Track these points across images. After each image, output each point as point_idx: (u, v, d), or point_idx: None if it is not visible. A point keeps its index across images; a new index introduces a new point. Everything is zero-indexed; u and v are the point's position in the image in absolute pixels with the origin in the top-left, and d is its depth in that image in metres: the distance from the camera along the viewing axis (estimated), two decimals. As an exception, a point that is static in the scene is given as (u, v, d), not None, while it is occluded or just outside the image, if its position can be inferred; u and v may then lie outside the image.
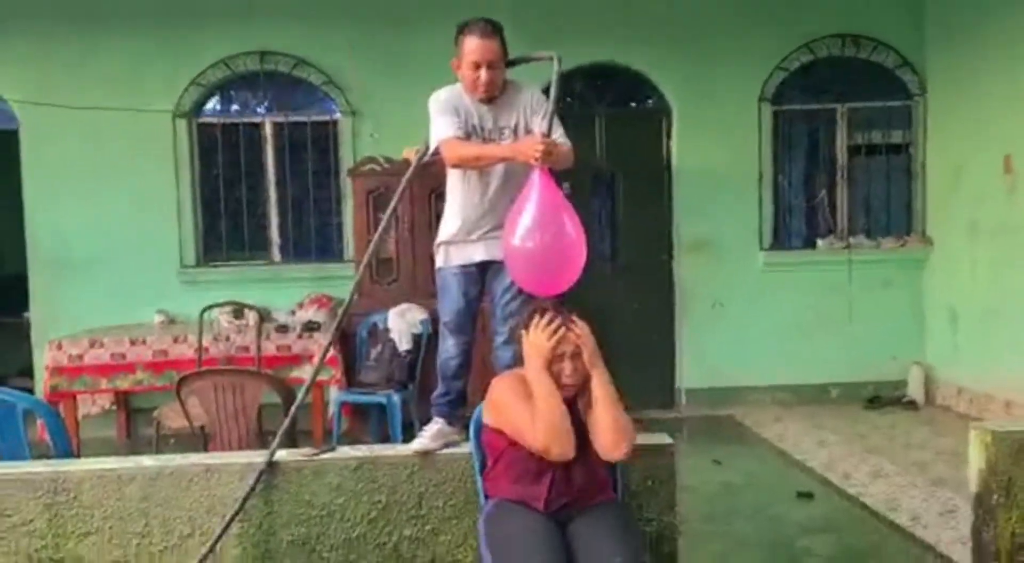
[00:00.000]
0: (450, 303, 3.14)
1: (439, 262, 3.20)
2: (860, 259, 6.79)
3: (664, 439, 3.04)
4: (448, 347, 3.15)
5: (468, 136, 3.05)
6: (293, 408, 3.13)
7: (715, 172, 6.68)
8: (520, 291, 3.03)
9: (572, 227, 2.73)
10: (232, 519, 2.84)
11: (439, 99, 3.09)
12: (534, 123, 3.04)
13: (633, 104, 7.14)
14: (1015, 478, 2.97)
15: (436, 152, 3.09)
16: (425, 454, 2.97)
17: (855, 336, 6.76)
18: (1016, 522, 2.97)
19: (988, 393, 6.09)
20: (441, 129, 3.03)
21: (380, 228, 3.30)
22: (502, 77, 3.05)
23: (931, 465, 5.11)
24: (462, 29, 3.02)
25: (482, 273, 3.15)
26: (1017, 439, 3.00)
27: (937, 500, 4.49)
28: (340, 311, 3.46)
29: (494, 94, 3.06)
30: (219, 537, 2.84)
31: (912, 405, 6.60)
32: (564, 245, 2.73)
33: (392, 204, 3.28)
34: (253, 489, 2.86)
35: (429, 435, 3.03)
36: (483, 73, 2.98)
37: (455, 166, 3.08)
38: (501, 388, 2.67)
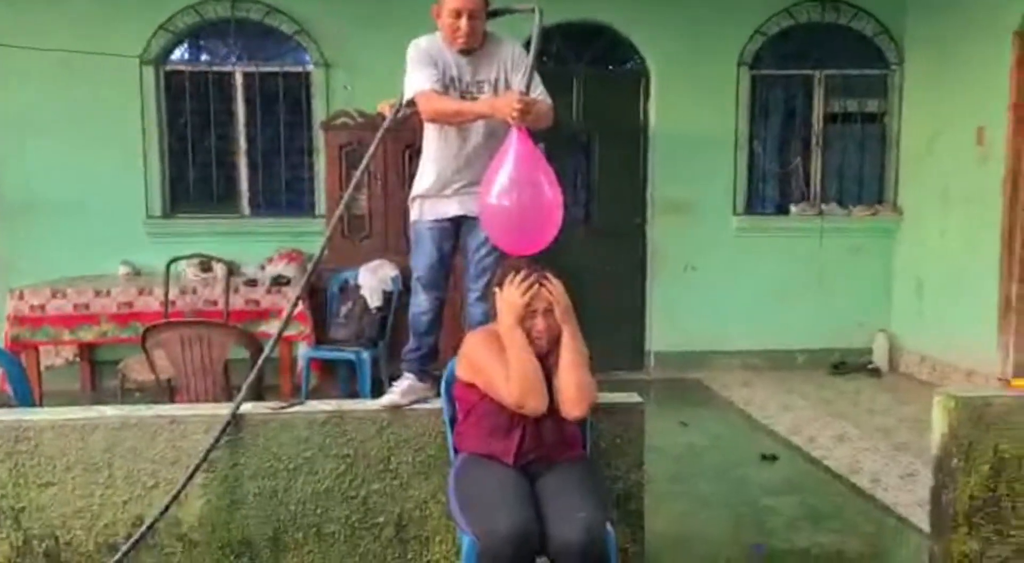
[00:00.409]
0: (423, 257, 3.11)
1: (414, 216, 3.16)
2: (832, 227, 6.83)
3: (633, 398, 3.05)
4: (420, 302, 3.13)
5: (445, 89, 2.99)
6: (260, 360, 3.09)
7: (691, 136, 6.66)
8: (494, 247, 3.00)
9: (549, 186, 2.71)
10: (195, 470, 2.81)
11: (418, 48, 3.02)
12: (514, 80, 2.99)
13: (612, 65, 7.07)
14: (975, 442, 3.03)
15: (412, 104, 3.03)
16: (395, 409, 2.96)
17: (824, 303, 6.83)
18: (975, 485, 3.03)
19: (951, 362, 6.19)
20: (418, 81, 2.96)
21: (351, 184, 3.25)
22: (482, 28, 2.99)
23: (893, 431, 5.21)
24: None
25: (456, 228, 3.12)
26: (979, 405, 3.05)
27: (898, 464, 4.58)
28: (310, 266, 3.42)
29: (474, 46, 2.99)
30: (182, 487, 2.81)
31: (876, 372, 6.71)
32: (541, 204, 2.70)
33: (366, 159, 3.22)
34: (218, 440, 2.83)
35: (399, 390, 3.01)
36: (463, 23, 2.91)
37: (431, 120, 3.02)
38: (474, 343, 2.66)
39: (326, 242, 3.34)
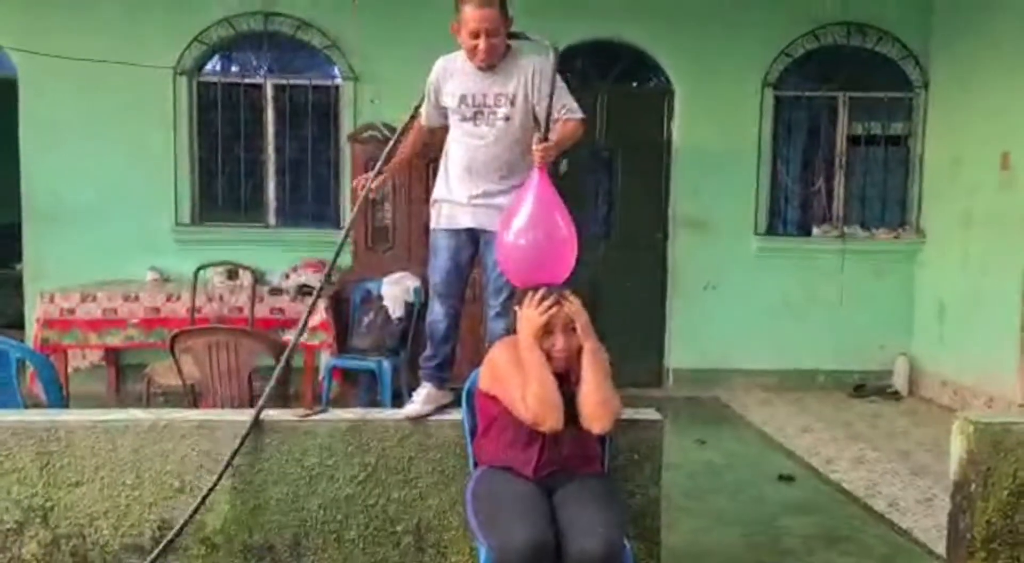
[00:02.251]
0: (439, 265, 3.16)
1: (432, 222, 3.24)
2: (853, 249, 6.83)
3: (653, 414, 3.08)
4: (435, 310, 3.18)
5: (458, 107, 3.08)
6: (279, 367, 3.15)
7: (714, 154, 6.69)
8: None
9: (564, 226, 2.78)
10: (221, 475, 2.87)
11: (433, 71, 3.16)
12: (535, 96, 3.03)
13: (636, 82, 7.13)
14: (994, 468, 3.03)
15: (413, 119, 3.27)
16: (416, 419, 3.00)
17: (845, 325, 6.82)
18: (992, 511, 3.03)
19: (971, 387, 6.16)
20: (423, 110, 3.22)
21: (367, 188, 3.28)
22: (502, 45, 3.02)
23: (912, 454, 5.19)
24: None
25: (473, 239, 3.17)
26: (997, 431, 3.05)
27: (916, 488, 4.57)
28: (325, 271, 3.52)
29: (493, 63, 3.05)
30: (209, 492, 2.87)
31: (896, 395, 6.68)
32: (556, 244, 2.77)
33: (379, 163, 3.31)
34: (241, 445, 2.88)
35: (420, 400, 3.05)
36: (481, 42, 2.96)
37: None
38: (499, 354, 2.70)
39: (339, 249, 3.40)
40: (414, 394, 3.11)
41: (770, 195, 6.97)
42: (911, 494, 4.48)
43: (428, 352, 3.19)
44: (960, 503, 3.08)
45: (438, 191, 3.19)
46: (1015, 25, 5.76)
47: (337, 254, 3.40)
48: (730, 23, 6.65)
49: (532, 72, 3.05)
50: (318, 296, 3.42)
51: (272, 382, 3.10)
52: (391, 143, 3.35)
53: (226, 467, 2.88)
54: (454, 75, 3.07)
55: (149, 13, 6.37)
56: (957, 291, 6.41)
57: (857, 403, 6.50)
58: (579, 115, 3.08)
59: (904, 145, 7.04)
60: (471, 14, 2.93)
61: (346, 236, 3.59)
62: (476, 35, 2.95)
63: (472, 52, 3.01)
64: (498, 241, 2.88)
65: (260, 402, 3.00)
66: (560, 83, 3.05)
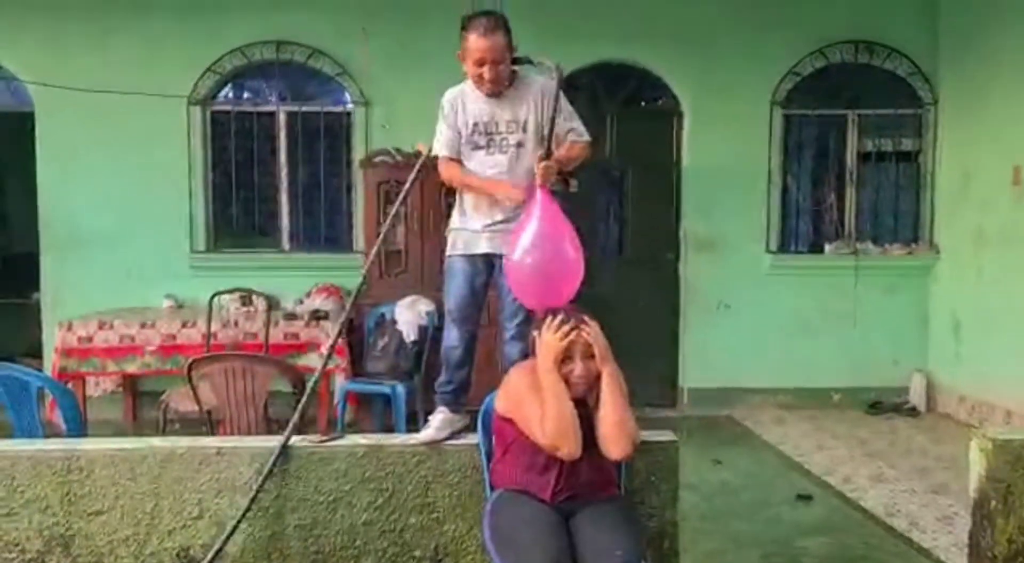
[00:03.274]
0: (455, 291, 3.17)
1: (448, 249, 3.25)
2: (867, 265, 6.81)
3: (668, 436, 3.08)
4: (451, 336, 3.18)
5: (471, 136, 3.11)
6: (307, 391, 3.18)
7: (724, 173, 6.71)
8: None
9: (571, 244, 2.80)
10: (252, 501, 2.88)
11: (443, 104, 3.15)
12: (546, 119, 3.07)
13: (644, 103, 7.17)
14: (1013, 486, 3.01)
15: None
16: (433, 444, 3.01)
17: (859, 342, 6.79)
18: (1013, 529, 3.01)
19: (989, 402, 6.12)
20: (439, 144, 3.15)
21: (385, 224, 3.34)
22: (507, 71, 3.04)
23: (931, 472, 5.15)
24: (465, 24, 3.01)
25: (489, 265, 3.18)
26: (1016, 447, 3.03)
27: (936, 506, 4.53)
28: (349, 300, 3.53)
29: (500, 89, 3.07)
30: (239, 520, 2.89)
31: (913, 412, 6.64)
32: (562, 262, 2.80)
33: (399, 199, 3.33)
34: (270, 472, 2.90)
35: (435, 425, 3.06)
36: (487, 70, 2.99)
37: (447, 183, 3.22)
38: (517, 378, 2.71)
39: (364, 278, 3.43)
40: (430, 418, 3.12)
41: (781, 213, 6.97)
42: (931, 512, 4.44)
43: (444, 378, 3.20)
44: (980, 521, 3.06)
45: (454, 222, 3.21)
46: (1022, 39, 5.77)
47: (362, 284, 3.39)
48: (737, 43, 6.69)
49: (540, 96, 3.08)
50: (343, 325, 3.45)
51: (299, 410, 3.11)
52: (412, 176, 3.36)
53: (255, 496, 2.89)
54: (465, 105, 3.10)
55: (163, 44, 6.47)
56: (972, 306, 6.38)
57: (873, 420, 6.46)
58: (586, 138, 3.11)
59: (915, 161, 7.04)
60: (475, 43, 2.96)
61: (370, 264, 3.57)
62: (481, 63, 2.98)
63: (478, 80, 3.04)
64: (505, 261, 2.90)
65: (287, 430, 3.01)
66: (567, 106, 3.09)
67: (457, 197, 3.25)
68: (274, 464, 2.91)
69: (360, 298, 6.15)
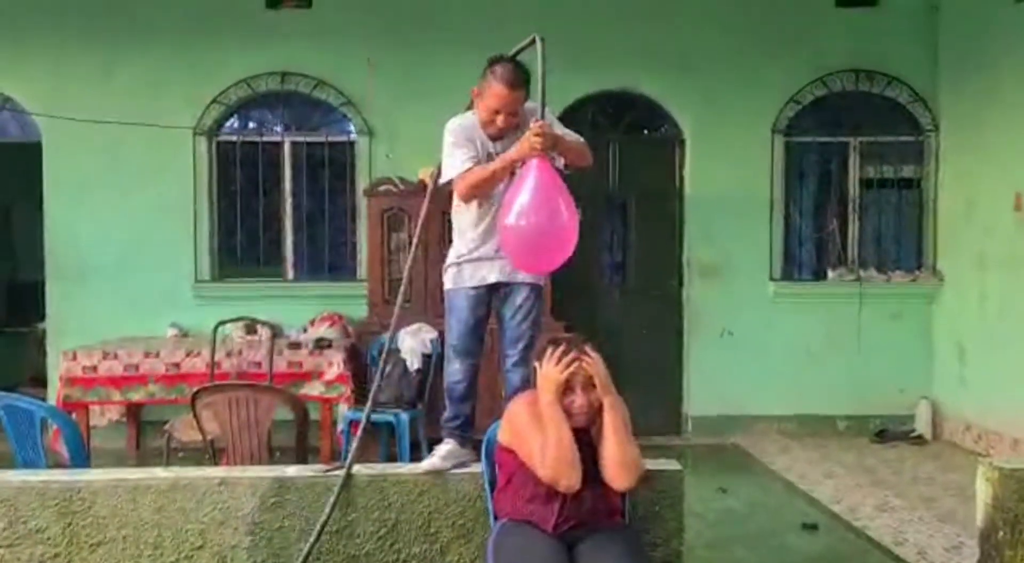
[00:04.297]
0: (459, 325, 3.16)
1: (449, 284, 3.22)
2: (870, 292, 6.81)
3: (673, 465, 3.07)
4: (454, 371, 3.17)
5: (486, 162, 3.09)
6: (363, 421, 3.16)
7: (726, 201, 6.74)
8: (529, 312, 3.10)
9: (566, 209, 2.77)
10: (319, 536, 2.88)
11: (453, 131, 3.11)
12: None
13: (646, 131, 7.22)
14: (1021, 515, 2.98)
15: (449, 182, 3.15)
16: (436, 473, 3.00)
17: (864, 369, 6.77)
18: (1022, 558, 2.98)
19: (996, 430, 6.08)
20: (454, 165, 3.07)
21: (412, 249, 3.27)
22: (517, 121, 3.06)
23: (938, 500, 5.11)
24: (493, 68, 3.01)
25: (490, 295, 3.19)
26: (1023, 476, 3.01)
27: (943, 535, 4.49)
28: (390, 327, 3.43)
29: (506, 131, 3.08)
30: (308, 553, 2.88)
31: (920, 439, 6.59)
32: (557, 226, 2.76)
33: (418, 230, 3.29)
34: (335, 506, 2.89)
35: (440, 455, 3.06)
36: (500, 119, 3.02)
37: (470, 198, 3.10)
38: (518, 409, 2.70)
39: (400, 304, 3.38)
40: (436, 449, 3.11)
41: (784, 240, 6.98)
42: (938, 541, 4.40)
43: (449, 413, 3.19)
44: (988, 551, 3.03)
45: (456, 253, 3.19)
46: (1021, 65, 5.81)
47: (399, 311, 3.36)
48: (738, 71, 6.74)
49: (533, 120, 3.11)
50: (386, 355, 3.44)
51: (359, 434, 3.09)
52: (425, 204, 3.36)
53: (323, 526, 2.88)
54: (472, 139, 3.09)
55: (169, 76, 6.55)
56: (977, 333, 6.36)
57: (879, 448, 6.42)
58: (579, 139, 3.13)
59: (917, 188, 7.06)
60: (499, 92, 2.98)
61: (403, 293, 3.48)
62: (497, 112, 3.01)
63: (488, 125, 3.05)
64: (499, 226, 2.87)
65: (350, 457, 2.99)
66: (563, 128, 3.10)
67: (458, 228, 3.23)
68: (340, 492, 2.90)
69: (360, 327, 6.19)
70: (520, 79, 3.00)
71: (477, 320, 3.17)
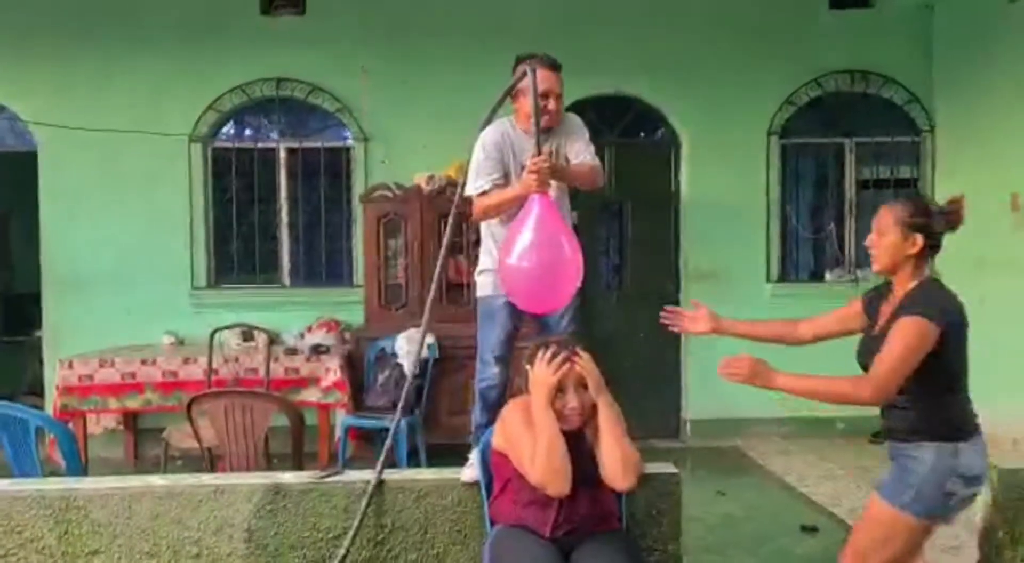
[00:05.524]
0: (497, 331, 3.19)
1: (488, 290, 3.23)
2: (867, 293, 6.79)
3: (669, 469, 3.06)
4: (491, 375, 3.20)
5: (507, 176, 3.14)
6: (391, 432, 3.13)
7: (723, 203, 6.73)
8: (570, 310, 3.15)
9: (569, 246, 2.78)
10: (353, 540, 2.87)
11: (485, 144, 3.16)
12: (571, 152, 3.12)
13: (642, 135, 7.22)
14: (1020, 515, 2.98)
15: (469, 200, 3.18)
16: (433, 479, 2.99)
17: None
18: (1021, 558, 2.97)
19: (995, 431, 5.99)
20: (480, 182, 3.14)
21: (442, 253, 3.19)
22: (562, 106, 3.15)
23: (937, 501, 5.08)
24: (527, 61, 3.05)
25: None
26: (1023, 477, 3.00)
27: (943, 535, 4.41)
28: (420, 333, 3.23)
29: (553, 125, 3.14)
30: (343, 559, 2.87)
31: (918, 440, 6.57)
32: (561, 264, 2.77)
33: (447, 236, 3.21)
34: (365, 512, 2.89)
35: (475, 463, 3.03)
36: (551, 102, 3.09)
37: (481, 220, 3.20)
38: (511, 414, 2.70)
39: (429, 312, 3.21)
40: (470, 456, 3.07)
41: (781, 242, 6.98)
42: (938, 542, 4.34)
43: (481, 419, 3.21)
44: (988, 552, 3.03)
45: (495, 260, 3.18)
46: (1016, 66, 5.81)
47: (428, 320, 3.25)
48: (733, 74, 6.74)
49: (567, 125, 3.19)
50: (414, 368, 3.42)
51: (389, 440, 3.07)
52: (452, 213, 3.30)
53: (355, 535, 2.87)
54: (514, 147, 3.14)
55: (164, 84, 6.53)
56: (975, 334, 6.31)
57: (878, 449, 6.37)
58: (597, 162, 3.20)
59: (914, 188, 7.06)
60: (544, 75, 3.04)
61: (432, 300, 3.36)
62: (547, 96, 3.06)
63: (542, 112, 3.00)
64: (500, 265, 2.88)
65: (380, 463, 2.98)
66: (585, 136, 3.23)
67: (491, 233, 3.24)
68: (371, 498, 2.90)
69: (356, 332, 6.18)
70: (556, 62, 3.11)
71: (515, 327, 3.22)
